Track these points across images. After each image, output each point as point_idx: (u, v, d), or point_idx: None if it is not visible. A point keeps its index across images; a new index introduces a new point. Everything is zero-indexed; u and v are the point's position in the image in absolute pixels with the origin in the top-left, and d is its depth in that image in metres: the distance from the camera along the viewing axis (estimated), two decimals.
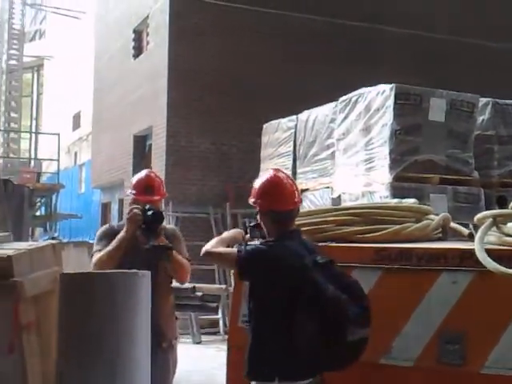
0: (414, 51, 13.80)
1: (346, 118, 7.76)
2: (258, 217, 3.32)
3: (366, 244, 3.75)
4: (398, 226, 3.92)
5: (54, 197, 17.21)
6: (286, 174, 3.45)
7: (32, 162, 22.95)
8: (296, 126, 9.02)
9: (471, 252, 3.32)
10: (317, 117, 8.52)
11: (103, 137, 16.92)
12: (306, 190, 8.34)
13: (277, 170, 3.48)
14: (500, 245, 3.43)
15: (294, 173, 8.67)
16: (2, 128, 22.39)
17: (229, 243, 3.42)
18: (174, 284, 4.15)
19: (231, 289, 6.19)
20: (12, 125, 23.44)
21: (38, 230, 19.52)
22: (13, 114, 23.18)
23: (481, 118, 7.61)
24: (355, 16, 13.50)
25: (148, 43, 14.40)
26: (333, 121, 8.10)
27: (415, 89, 7.20)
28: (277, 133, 9.46)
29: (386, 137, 7.03)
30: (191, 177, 12.61)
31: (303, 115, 8.90)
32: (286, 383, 3.07)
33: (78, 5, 23.00)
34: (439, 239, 4.14)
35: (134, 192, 4.07)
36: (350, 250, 3.72)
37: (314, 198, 8.20)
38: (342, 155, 7.81)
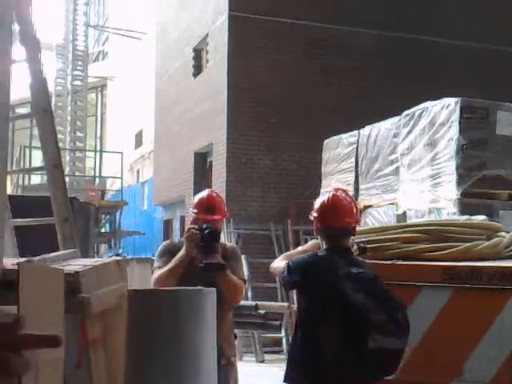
0: (479, 64, 13.52)
1: (409, 132, 7.65)
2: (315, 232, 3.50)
3: (434, 262, 3.65)
4: (468, 244, 3.82)
5: (117, 214, 17.50)
6: (346, 193, 3.60)
7: (97, 179, 23.48)
8: (358, 141, 8.93)
9: None
10: (379, 132, 8.42)
11: (164, 154, 17.17)
12: (370, 206, 8.24)
13: (338, 189, 3.68)
14: None
15: (357, 189, 8.57)
16: (68, 147, 22.96)
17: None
18: None
19: (294, 306, 6.14)
20: (77, 144, 24.01)
21: (103, 247, 19.89)
22: (78, 134, 23.75)
23: None
24: (419, 30, 13.35)
25: (207, 61, 14.58)
26: (396, 135, 7.99)
27: (481, 102, 7.05)
28: (338, 148, 9.39)
29: (453, 151, 6.89)
30: (252, 193, 12.63)
31: (365, 130, 8.81)
32: None
33: (139, 26, 23.52)
34: (511, 257, 4.02)
35: (195, 211, 4.11)
36: (418, 268, 3.63)
37: (378, 215, 8.08)
38: (406, 171, 7.69)
